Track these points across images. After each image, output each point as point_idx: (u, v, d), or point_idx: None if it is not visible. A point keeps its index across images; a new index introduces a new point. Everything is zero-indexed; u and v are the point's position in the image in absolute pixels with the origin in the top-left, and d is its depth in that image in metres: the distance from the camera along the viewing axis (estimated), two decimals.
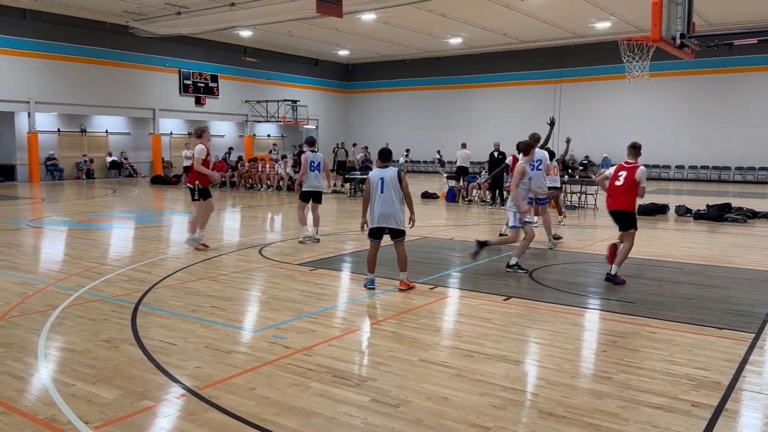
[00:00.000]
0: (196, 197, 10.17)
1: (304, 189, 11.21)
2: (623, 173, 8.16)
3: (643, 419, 4.04)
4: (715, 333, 5.90)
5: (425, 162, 38.01)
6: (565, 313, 6.62)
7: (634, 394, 4.43)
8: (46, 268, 9.11)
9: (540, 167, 10.80)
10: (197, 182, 10.11)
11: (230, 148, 29.17)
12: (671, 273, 8.81)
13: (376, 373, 4.83)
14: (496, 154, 17.62)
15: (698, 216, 14.88)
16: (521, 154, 9.24)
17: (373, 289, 7.56)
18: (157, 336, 5.70)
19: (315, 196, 11.21)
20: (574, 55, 33.22)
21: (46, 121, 27.63)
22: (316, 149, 11.44)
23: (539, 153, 10.84)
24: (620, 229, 8.24)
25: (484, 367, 4.96)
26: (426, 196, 20.80)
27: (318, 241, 11.12)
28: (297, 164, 24.24)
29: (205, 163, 10.13)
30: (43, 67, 26.40)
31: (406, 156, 35.27)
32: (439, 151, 34.90)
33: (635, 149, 8.31)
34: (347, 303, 7.19)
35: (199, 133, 10.39)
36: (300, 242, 11.04)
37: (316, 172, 11.11)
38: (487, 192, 18.52)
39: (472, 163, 22.09)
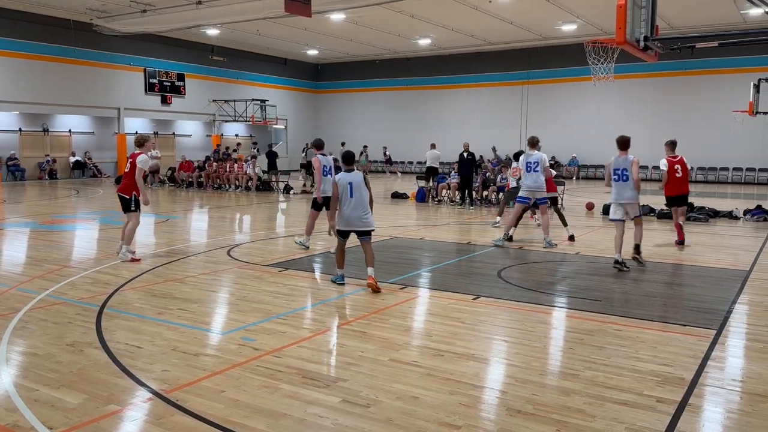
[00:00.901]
0: (133, 208, 9.47)
1: (326, 194, 9.96)
2: (678, 166, 11.29)
3: (609, 415, 4.10)
4: (679, 330, 6.03)
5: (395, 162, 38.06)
6: (533, 312, 6.70)
7: (600, 391, 4.50)
8: (7, 270, 8.88)
9: (537, 168, 10.95)
10: (134, 193, 9.43)
11: (227, 148, 28.62)
12: (636, 271, 8.97)
13: (346, 373, 4.82)
14: (465, 154, 17.72)
15: (661, 215, 15.17)
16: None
17: (343, 284, 7.62)
18: (122, 339, 5.60)
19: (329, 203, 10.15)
20: (541, 57, 33.63)
21: (7, 121, 26.95)
22: (325, 152, 10.59)
23: (537, 155, 11.00)
24: (679, 205, 11.40)
25: (454, 366, 4.99)
26: (396, 196, 20.85)
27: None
28: (272, 166, 24.13)
29: (145, 173, 9.58)
30: (3, 65, 25.73)
31: (363, 153, 34.86)
32: (385, 148, 34.53)
33: (673, 144, 11.53)
34: (317, 304, 7.16)
35: (141, 142, 9.57)
36: (297, 243, 10.56)
37: (330, 176, 10.02)
38: (457, 192, 18.64)
39: (441, 163, 22.19)
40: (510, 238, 11.32)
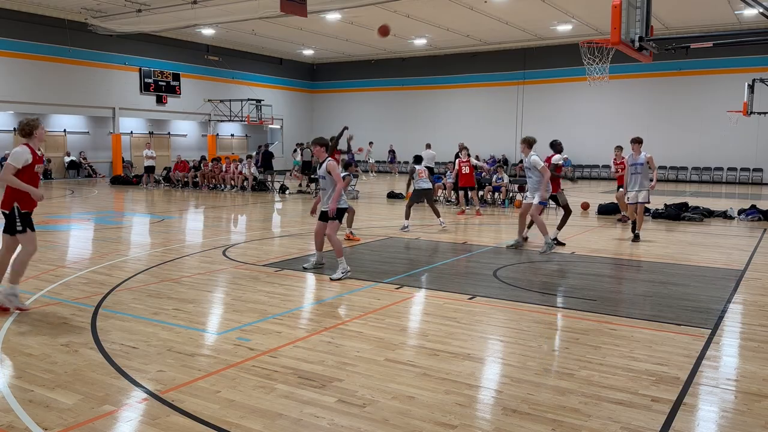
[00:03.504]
0: (20, 227, 6.33)
1: (343, 206, 8.70)
2: None
3: (604, 415, 4.11)
4: (674, 329, 6.05)
5: (385, 162, 38.02)
6: (528, 311, 6.71)
7: (596, 390, 4.51)
8: None
9: (530, 175, 10.54)
10: (16, 204, 6.31)
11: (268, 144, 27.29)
12: (631, 271, 8.99)
13: (342, 373, 4.82)
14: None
15: (656, 215, 15.22)
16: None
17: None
18: (117, 339, 5.59)
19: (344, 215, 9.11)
20: (536, 57, 33.69)
21: (1, 120, 26.88)
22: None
23: (531, 159, 10.41)
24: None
25: (449, 366, 4.99)
26: (392, 196, 20.85)
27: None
28: (268, 166, 24.03)
29: (30, 173, 6.31)
30: None
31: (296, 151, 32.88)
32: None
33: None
34: (313, 304, 7.16)
35: (28, 130, 6.37)
36: (343, 274, 8.73)
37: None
38: (452, 192, 18.65)
39: (436, 163, 22.21)
40: (525, 239, 11.27)
